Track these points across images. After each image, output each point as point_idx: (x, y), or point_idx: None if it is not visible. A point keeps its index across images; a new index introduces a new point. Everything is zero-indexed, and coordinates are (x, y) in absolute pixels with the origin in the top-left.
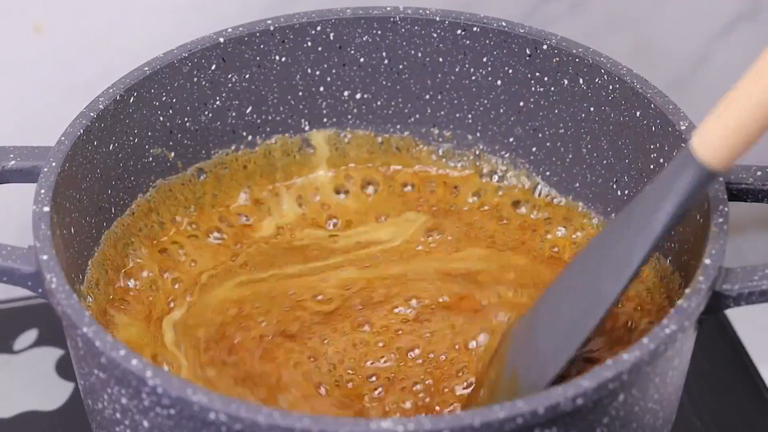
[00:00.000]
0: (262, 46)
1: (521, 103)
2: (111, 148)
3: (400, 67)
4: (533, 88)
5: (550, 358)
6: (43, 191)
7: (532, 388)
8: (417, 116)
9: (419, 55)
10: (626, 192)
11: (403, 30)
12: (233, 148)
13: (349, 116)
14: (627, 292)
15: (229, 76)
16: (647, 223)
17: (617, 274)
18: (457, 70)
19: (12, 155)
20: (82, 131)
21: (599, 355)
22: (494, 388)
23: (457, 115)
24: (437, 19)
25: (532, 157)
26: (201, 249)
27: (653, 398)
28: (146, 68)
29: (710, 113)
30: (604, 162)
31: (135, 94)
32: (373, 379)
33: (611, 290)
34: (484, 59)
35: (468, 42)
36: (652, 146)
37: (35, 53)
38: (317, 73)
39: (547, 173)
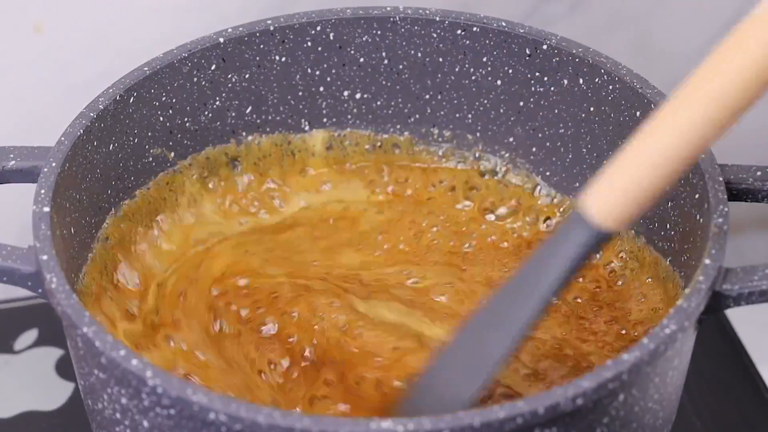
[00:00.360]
0: (262, 46)
1: (521, 103)
2: (111, 148)
3: (400, 67)
4: (533, 88)
5: (429, 412)
6: (43, 191)
7: None
8: (417, 116)
9: (419, 55)
10: None
11: (403, 30)
12: (233, 148)
13: (349, 116)
14: (516, 351)
15: (229, 76)
16: (537, 285)
17: (506, 334)
18: (457, 70)
19: (12, 155)
20: (82, 131)
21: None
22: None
23: (457, 115)
24: (437, 19)
25: (532, 157)
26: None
27: (653, 398)
28: (146, 68)
29: (601, 173)
30: (604, 162)
31: (135, 94)
32: None
33: (498, 351)
34: (484, 59)
35: (468, 42)
36: None
37: (35, 53)
38: (317, 73)
39: (547, 173)
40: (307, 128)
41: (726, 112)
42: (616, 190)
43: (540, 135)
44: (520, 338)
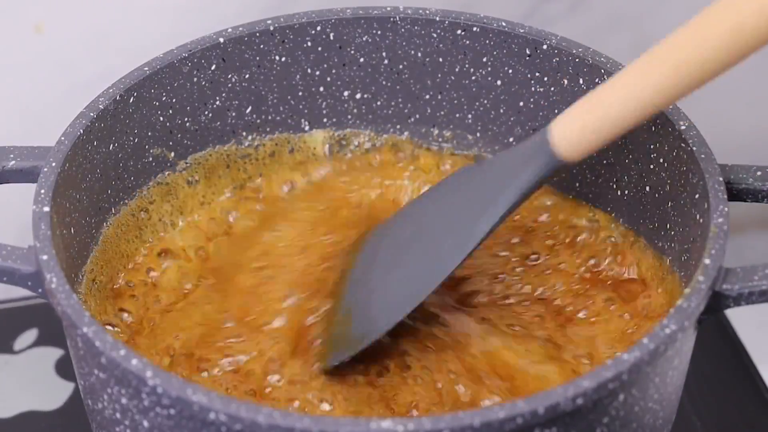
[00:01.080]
0: (262, 46)
1: (521, 103)
2: (111, 148)
3: (400, 67)
4: (533, 88)
5: (383, 313)
6: (43, 191)
7: (363, 337)
8: (417, 116)
9: (419, 55)
10: (626, 192)
11: (403, 30)
12: (233, 148)
13: (349, 116)
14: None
15: (229, 76)
16: (493, 201)
17: (460, 246)
18: (457, 70)
19: (12, 155)
20: (82, 131)
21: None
22: (330, 319)
23: (457, 115)
24: (437, 19)
25: None
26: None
27: (653, 398)
28: (146, 68)
29: (574, 105)
30: (604, 162)
31: (135, 94)
32: None
33: (450, 262)
34: (484, 59)
35: (468, 42)
36: (652, 146)
37: (35, 53)
38: (317, 73)
39: None
40: (307, 128)
41: (695, 77)
42: (582, 128)
43: None
44: (471, 251)
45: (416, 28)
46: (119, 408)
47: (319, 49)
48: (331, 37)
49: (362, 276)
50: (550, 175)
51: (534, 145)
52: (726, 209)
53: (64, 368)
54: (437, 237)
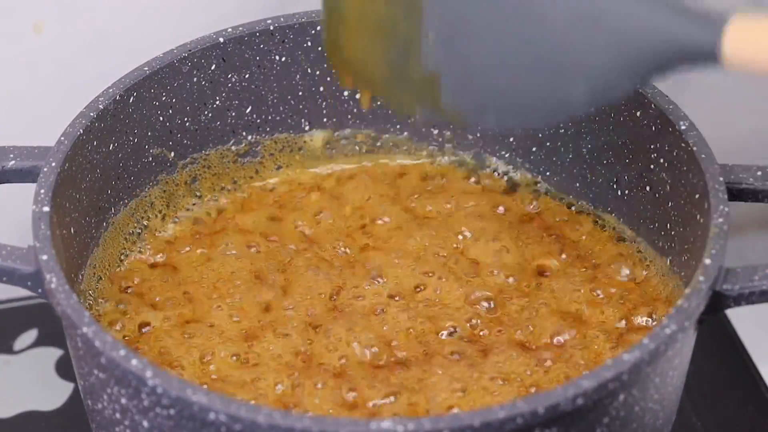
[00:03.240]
0: (262, 46)
1: None
2: (111, 148)
3: None
4: None
5: (490, 102)
6: (42, 191)
7: (457, 114)
8: (417, 116)
9: None
10: (626, 192)
11: None
12: (233, 148)
13: (349, 116)
14: None
15: (229, 76)
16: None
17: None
18: None
19: (12, 155)
20: (82, 131)
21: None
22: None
23: None
24: None
25: (532, 157)
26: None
27: (653, 398)
28: (146, 68)
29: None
30: (604, 162)
31: (135, 94)
32: None
33: (578, 103)
34: None
35: None
36: (652, 146)
37: (35, 53)
38: (317, 73)
39: (547, 173)
40: (307, 128)
41: None
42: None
43: (540, 135)
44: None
45: None
46: (119, 408)
47: (319, 49)
48: None
49: (447, 33)
50: (696, 62)
51: (705, 20)
52: (726, 209)
53: (64, 368)
54: (568, 48)
